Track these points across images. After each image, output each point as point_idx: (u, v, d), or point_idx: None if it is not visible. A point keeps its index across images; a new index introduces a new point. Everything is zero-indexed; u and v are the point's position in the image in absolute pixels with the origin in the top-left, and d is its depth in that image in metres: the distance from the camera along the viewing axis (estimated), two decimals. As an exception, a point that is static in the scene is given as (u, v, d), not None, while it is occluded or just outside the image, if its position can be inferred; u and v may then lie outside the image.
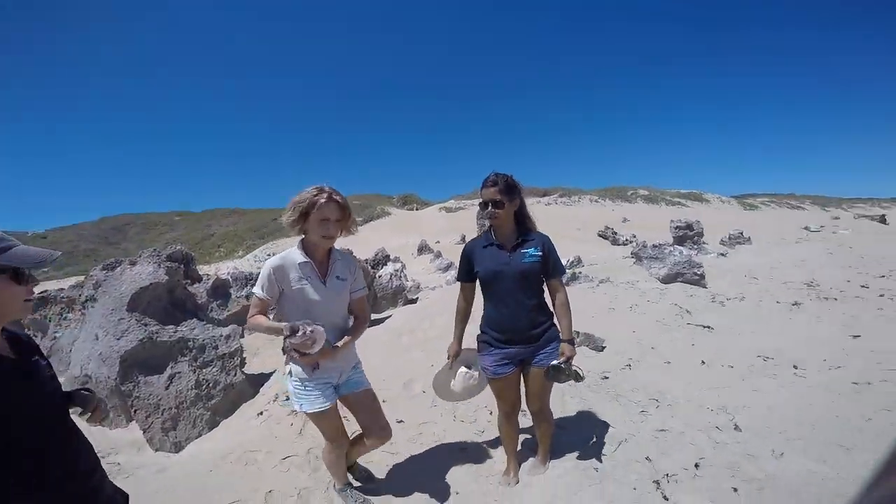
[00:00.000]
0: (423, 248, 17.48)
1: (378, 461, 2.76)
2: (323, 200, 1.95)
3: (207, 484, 2.55)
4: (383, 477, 2.64)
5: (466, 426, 3.18)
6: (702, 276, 7.76)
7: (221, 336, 4.34)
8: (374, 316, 6.03)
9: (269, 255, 23.03)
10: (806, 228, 19.96)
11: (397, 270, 7.09)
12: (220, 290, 6.99)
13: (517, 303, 2.25)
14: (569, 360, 2.26)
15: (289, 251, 2.06)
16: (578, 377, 2.27)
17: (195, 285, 6.58)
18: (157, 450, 3.02)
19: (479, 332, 2.39)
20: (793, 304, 5.70)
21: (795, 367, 3.82)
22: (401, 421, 3.20)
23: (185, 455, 2.96)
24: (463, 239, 20.04)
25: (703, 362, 4.04)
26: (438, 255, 15.72)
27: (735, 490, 2.32)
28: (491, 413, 3.26)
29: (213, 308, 6.46)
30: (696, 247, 13.66)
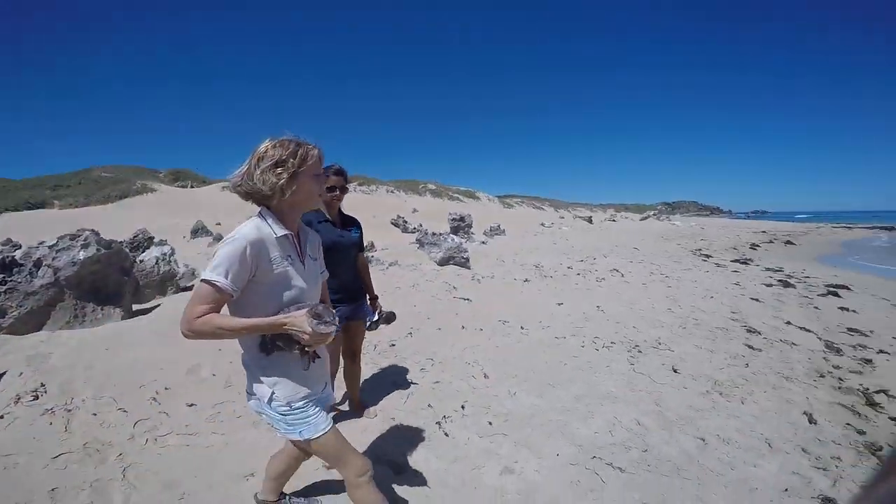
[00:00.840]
0: (199, 231, 15.59)
1: (176, 444, 2.70)
2: (316, 152, 1.53)
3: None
4: (184, 456, 2.61)
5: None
6: (467, 260, 9.33)
7: None
8: (137, 306, 5.40)
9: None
10: (542, 224, 25.39)
11: (165, 255, 6.35)
12: None
13: (348, 269, 2.79)
14: (381, 310, 3.03)
15: (257, 221, 1.50)
16: (393, 318, 3.18)
17: None
18: None
19: None
20: (524, 281, 7.51)
21: (522, 327, 5.14)
22: (192, 405, 3.14)
23: None
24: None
25: (462, 327, 5.06)
26: (219, 237, 14.32)
27: (490, 423, 3.01)
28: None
29: None
30: (466, 236, 16.03)
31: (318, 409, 1.63)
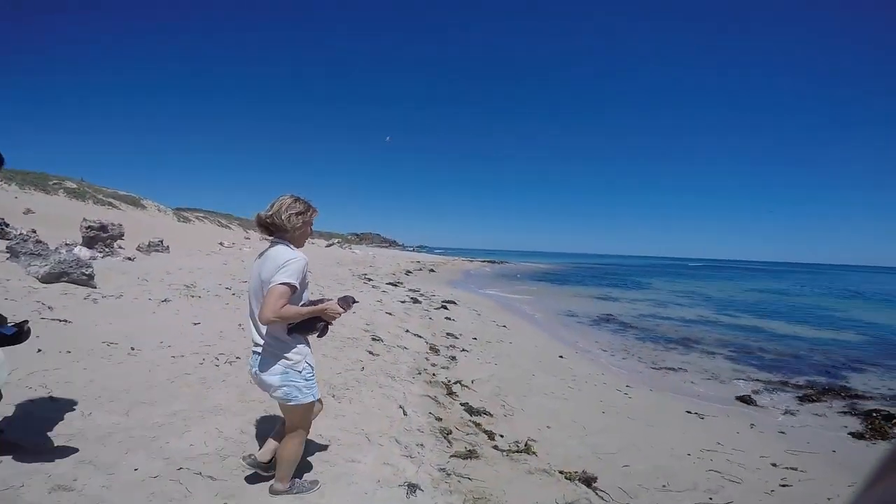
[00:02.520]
0: None
1: None
2: (317, 212, 2.41)
3: None
4: None
5: None
6: (91, 276, 7.42)
7: None
8: None
9: None
10: (221, 244, 23.26)
11: None
12: None
13: None
14: None
15: (290, 247, 2.28)
16: None
17: None
18: None
19: None
20: (163, 301, 6.51)
21: (133, 348, 4.41)
22: None
23: None
24: None
25: (39, 350, 4.03)
26: None
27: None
28: None
29: None
30: (107, 249, 12.84)
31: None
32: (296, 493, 2.52)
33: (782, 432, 4.71)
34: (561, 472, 3.35)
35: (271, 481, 2.52)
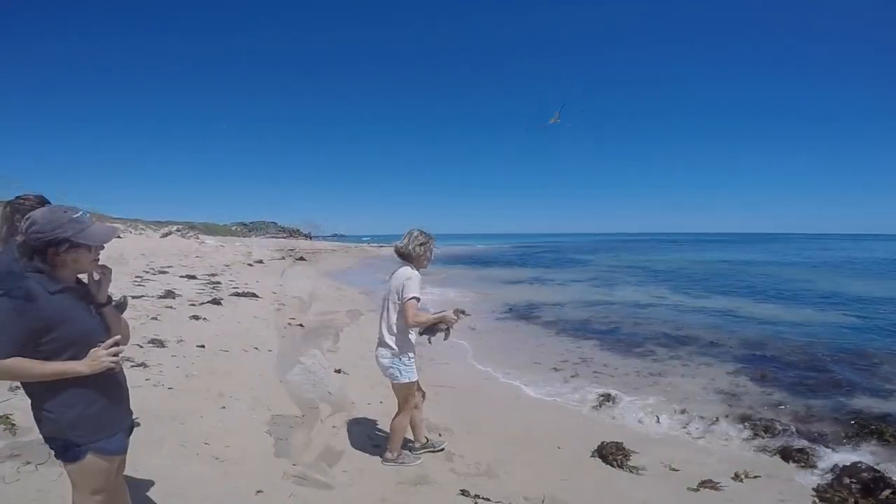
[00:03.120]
0: None
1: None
2: (434, 239, 3.04)
3: None
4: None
5: None
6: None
7: None
8: None
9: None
10: (185, 255, 16.64)
11: None
12: None
13: None
14: None
15: (411, 267, 2.92)
16: None
17: None
18: None
19: None
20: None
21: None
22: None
23: None
24: None
25: None
26: None
27: None
28: None
29: None
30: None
31: None
32: (400, 464, 3.00)
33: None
34: (525, 499, 2.82)
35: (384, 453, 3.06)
